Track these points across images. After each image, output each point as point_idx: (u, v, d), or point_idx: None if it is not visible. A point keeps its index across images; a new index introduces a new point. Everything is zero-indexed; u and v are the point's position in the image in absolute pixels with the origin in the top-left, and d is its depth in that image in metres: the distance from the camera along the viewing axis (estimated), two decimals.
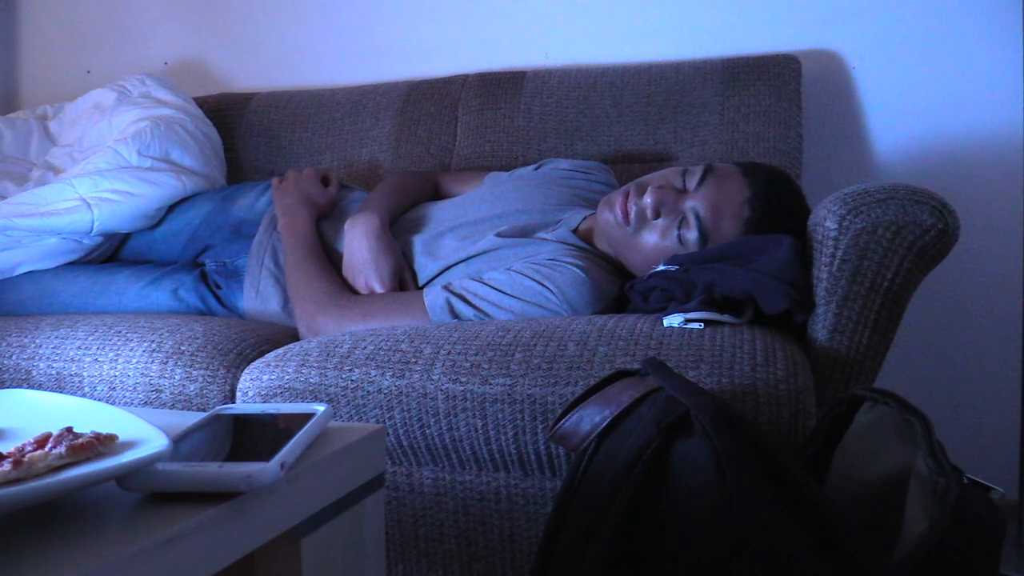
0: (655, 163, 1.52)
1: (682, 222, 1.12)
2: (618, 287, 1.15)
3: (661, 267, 1.09)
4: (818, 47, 1.63)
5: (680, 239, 1.12)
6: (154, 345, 1.11)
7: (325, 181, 1.45)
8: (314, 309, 1.18)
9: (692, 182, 1.13)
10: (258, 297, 1.33)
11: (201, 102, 1.79)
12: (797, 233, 1.06)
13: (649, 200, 1.12)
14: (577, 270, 1.10)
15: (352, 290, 1.23)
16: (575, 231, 1.24)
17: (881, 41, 1.60)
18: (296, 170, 1.45)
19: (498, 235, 1.22)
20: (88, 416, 0.55)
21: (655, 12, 1.72)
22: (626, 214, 1.15)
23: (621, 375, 0.79)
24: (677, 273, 1.05)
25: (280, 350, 1.04)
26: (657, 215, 1.13)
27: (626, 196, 1.15)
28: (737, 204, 1.11)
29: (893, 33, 1.59)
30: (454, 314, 1.09)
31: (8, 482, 0.44)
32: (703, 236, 1.11)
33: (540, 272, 1.11)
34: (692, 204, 1.12)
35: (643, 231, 1.14)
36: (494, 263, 1.19)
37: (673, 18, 1.70)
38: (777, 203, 1.12)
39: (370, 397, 0.94)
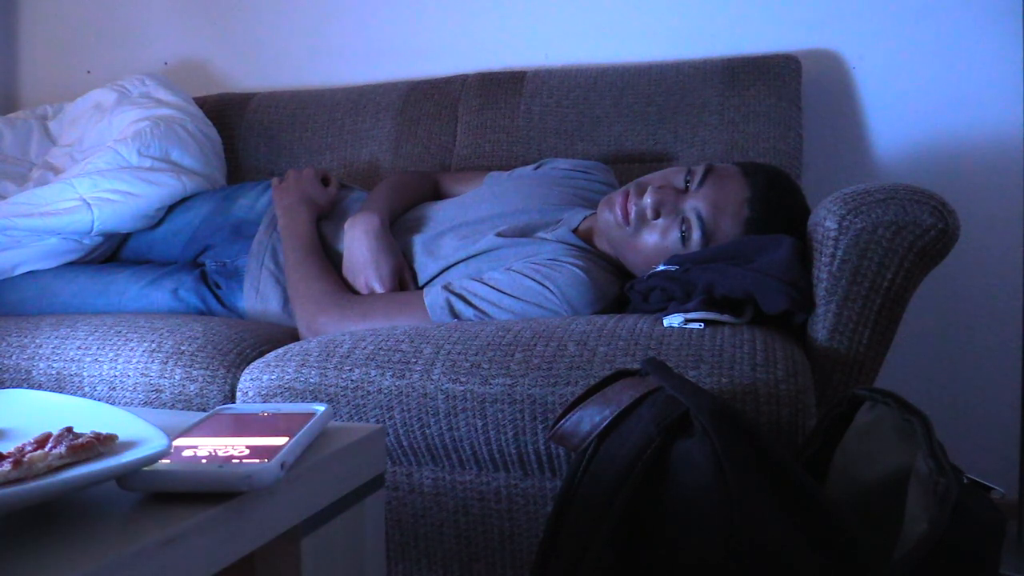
0: (655, 163, 1.52)
1: (683, 222, 1.12)
2: (618, 287, 1.15)
3: (661, 267, 1.09)
4: (818, 47, 1.63)
5: (681, 239, 1.12)
6: (154, 345, 1.11)
7: (325, 181, 1.45)
8: (314, 309, 1.18)
9: (693, 182, 1.13)
10: (258, 297, 1.33)
11: (201, 102, 1.79)
12: (797, 233, 1.06)
13: (649, 200, 1.12)
14: (577, 270, 1.10)
15: (352, 290, 1.23)
16: (575, 231, 1.24)
17: (881, 41, 1.60)
18: (296, 170, 1.45)
19: (498, 235, 1.22)
20: (88, 416, 0.55)
21: (655, 12, 1.71)
22: (626, 214, 1.14)
23: (621, 375, 0.79)
24: (677, 273, 1.05)
25: (280, 350, 1.04)
26: (657, 215, 1.13)
27: (626, 196, 1.15)
28: (737, 204, 1.11)
29: (893, 33, 1.59)
30: (454, 314, 1.09)
31: (8, 482, 0.44)
32: (705, 236, 1.11)
33: (540, 272, 1.10)
34: (693, 204, 1.12)
35: (643, 231, 1.14)
36: (494, 263, 1.19)
37: (673, 18, 1.70)
38: (777, 203, 1.12)
39: (370, 397, 0.94)
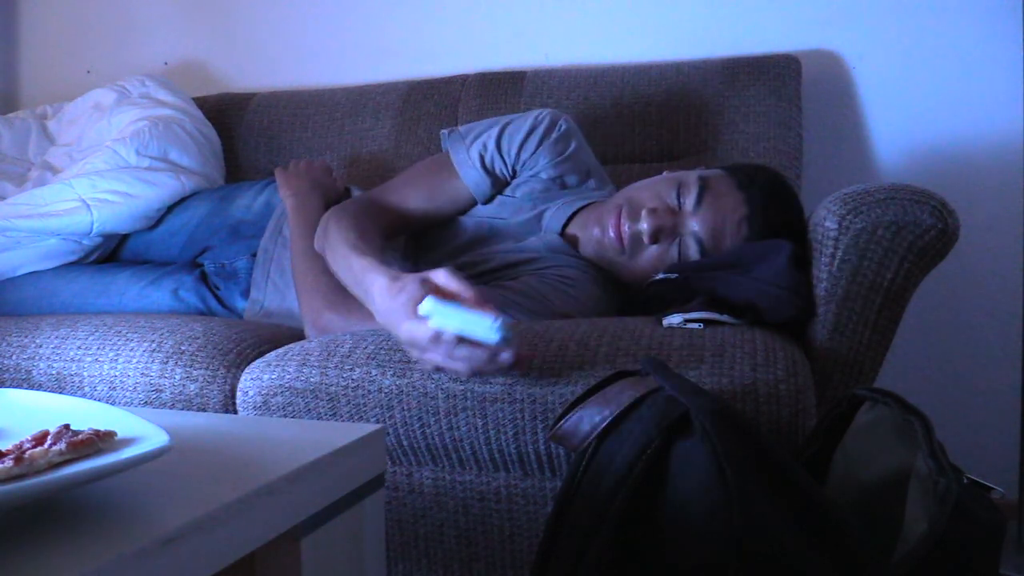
0: (655, 163, 1.52)
1: (681, 244, 1.10)
2: (619, 299, 1.14)
3: (660, 276, 1.08)
4: (818, 47, 1.63)
5: (680, 258, 1.11)
6: (154, 345, 1.11)
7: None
8: (321, 305, 1.15)
9: (688, 201, 1.10)
10: (262, 312, 1.31)
11: (201, 102, 1.79)
12: (795, 239, 1.05)
13: (645, 226, 1.09)
14: (590, 293, 1.09)
15: None
16: (562, 235, 1.21)
17: (881, 41, 1.60)
18: (306, 159, 1.45)
19: (495, 251, 1.19)
20: (83, 415, 0.55)
21: (656, 12, 1.71)
22: (620, 238, 1.11)
23: (621, 375, 0.79)
24: (677, 281, 1.05)
25: (280, 350, 1.04)
26: (655, 241, 1.10)
27: (618, 217, 1.12)
28: (735, 223, 1.10)
29: (893, 33, 1.59)
30: None
31: (11, 478, 0.44)
32: (703, 256, 1.10)
33: (548, 284, 1.09)
34: (691, 228, 1.10)
35: (639, 254, 1.12)
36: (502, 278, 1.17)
37: (673, 18, 1.70)
38: (776, 219, 1.11)
39: (371, 396, 0.94)
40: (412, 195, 1.25)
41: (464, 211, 1.28)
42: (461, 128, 1.29)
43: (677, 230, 1.10)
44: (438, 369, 0.89)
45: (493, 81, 1.68)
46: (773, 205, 1.11)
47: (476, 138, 1.26)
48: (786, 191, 1.16)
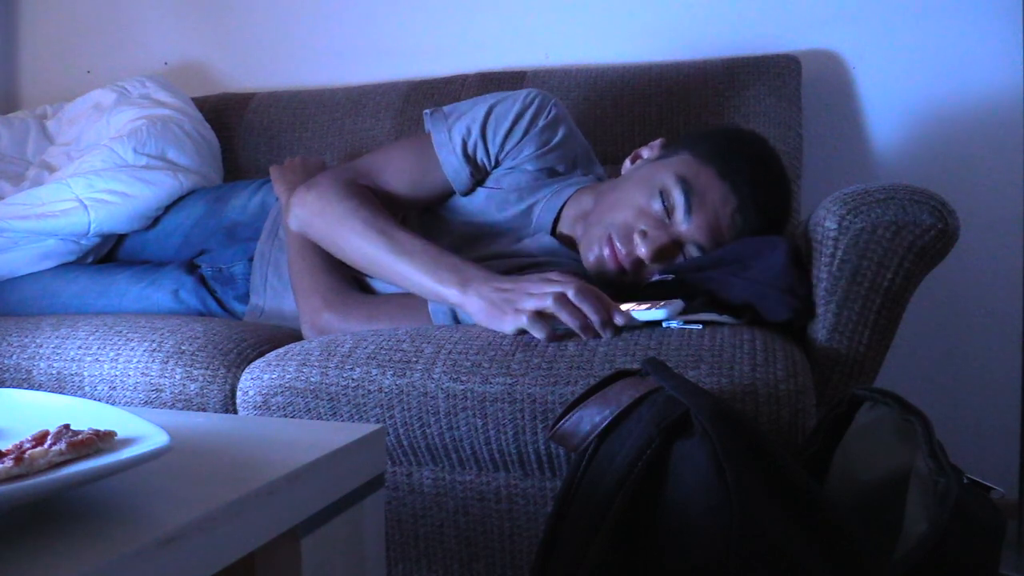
0: None
1: (684, 254, 1.10)
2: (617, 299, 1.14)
3: (656, 277, 1.08)
4: (818, 47, 1.63)
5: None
6: (154, 345, 1.11)
7: None
8: (320, 304, 1.14)
9: (677, 208, 1.09)
10: (262, 316, 1.31)
11: (201, 102, 1.79)
12: (787, 210, 1.06)
13: (644, 251, 1.08)
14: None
15: (358, 288, 1.20)
16: (555, 232, 1.20)
17: (881, 41, 1.60)
18: (302, 156, 1.44)
19: (495, 257, 1.17)
20: (83, 415, 0.55)
21: (656, 12, 1.72)
22: (620, 265, 1.10)
23: (621, 375, 0.79)
24: (673, 282, 1.05)
25: (281, 349, 1.04)
26: (656, 260, 1.09)
27: (612, 247, 1.10)
28: (729, 216, 1.09)
29: (893, 33, 1.59)
30: (457, 320, 1.09)
31: (11, 478, 0.44)
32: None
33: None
34: (689, 238, 1.09)
35: (645, 270, 1.12)
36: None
37: (673, 18, 1.70)
38: (765, 202, 1.10)
39: (371, 396, 0.94)
40: (396, 179, 1.22)
41: (444, 197, 1.25)
42: (445, 108, 1.25)
43: (674, 240, 1.10)
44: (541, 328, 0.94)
45: (493, 81, 1.68)
46: (760, 189, 1.10)
47: (459, 119, 1.21)
48: (767, 163, 1.14)
